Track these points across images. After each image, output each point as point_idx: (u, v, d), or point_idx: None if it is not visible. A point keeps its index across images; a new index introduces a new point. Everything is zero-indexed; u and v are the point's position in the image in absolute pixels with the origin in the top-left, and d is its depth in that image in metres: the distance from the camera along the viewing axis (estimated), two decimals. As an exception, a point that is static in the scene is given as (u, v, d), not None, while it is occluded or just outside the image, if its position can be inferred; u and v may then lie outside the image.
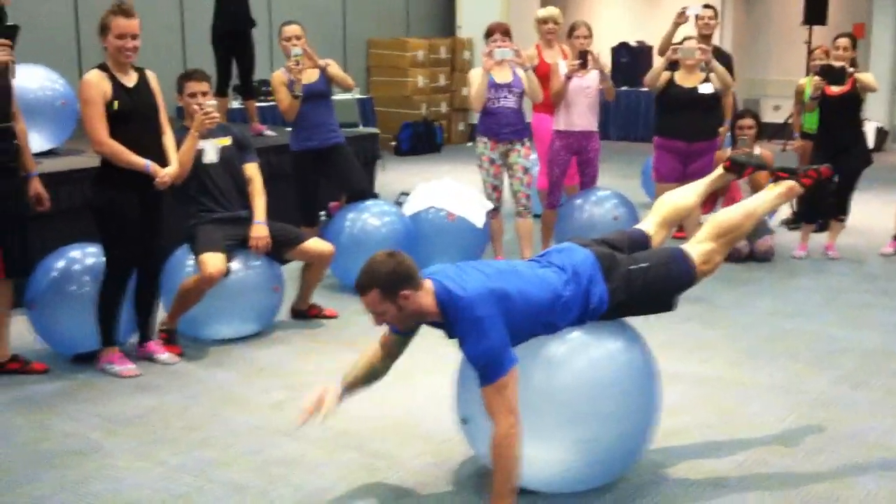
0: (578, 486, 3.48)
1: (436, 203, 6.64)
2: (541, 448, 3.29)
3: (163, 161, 4.82)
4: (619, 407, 3.35)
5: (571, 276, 3.36)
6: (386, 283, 3.16)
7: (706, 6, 7.67)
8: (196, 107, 5.08)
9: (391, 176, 10.71)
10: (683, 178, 7.03)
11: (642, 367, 3.50)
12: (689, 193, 4.01)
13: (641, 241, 3.73)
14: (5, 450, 3.98)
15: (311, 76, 6.38)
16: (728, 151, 7.12)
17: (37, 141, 6.96)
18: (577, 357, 3.37)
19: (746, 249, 7.10)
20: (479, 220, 6.60)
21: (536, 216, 7.18)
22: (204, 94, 5.17)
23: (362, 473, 3.73)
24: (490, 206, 6.67)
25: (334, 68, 6.50)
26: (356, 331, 5.45)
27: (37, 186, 4.95)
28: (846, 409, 4.37)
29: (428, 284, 3.22)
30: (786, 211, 8.22)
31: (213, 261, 5.00)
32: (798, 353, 5.16)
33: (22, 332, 5.14)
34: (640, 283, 3.43)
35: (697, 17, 7.54)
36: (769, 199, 3.90)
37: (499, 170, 6.67)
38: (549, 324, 3.31)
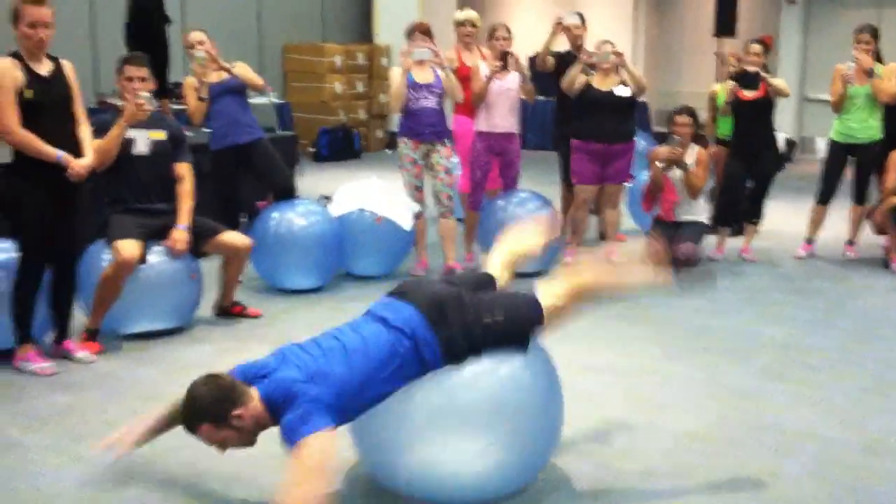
0: (491, 493, 3.35)
1: (363, 205, 6.60)
2: (450, 461, 3.18)
3: (77, 152, 4.68)
4: (521, 424, 3.25)
5: (403, 332, 3.16)
6: (214, 413, 3.03)
7: (579, 15, 7.82)
8: (129, 95, 4.99)
9: (310, 181, 10.60)
10: (602, 179, 7.16)
11: (544, 384, 3.41)
12: (532, 239, 3.86)
13: (486, 282, 3.58)
14: (-84, 447, 3.82)
15: (220, 76, 6.40)
16: (660, 150, 7.21)
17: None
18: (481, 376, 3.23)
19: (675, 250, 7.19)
20: (406, 222, 6.58)
21: (459, 220, 7.19)
22: (142, 79, 5.09)
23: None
24: (417, 207, 6.66)
25: (242, 69, 6.55)
26: (280, 329, 5.39)
27: None
28: (765, 399, 4.47)
29: (252, 392, 3.07)
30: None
31: (128, 246, 4.90)
32: (718, 347, 5.27)
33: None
34: (492, 335, 3.23)
35: (570, 27, 7.67)
36: (641, 283, 3.74)
37: (420, 170, 6.66)
38: (392, 383, 3.12)
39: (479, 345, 3.19)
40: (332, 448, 2.91)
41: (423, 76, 6.53)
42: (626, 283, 3.70)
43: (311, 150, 13.17)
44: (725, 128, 7.89)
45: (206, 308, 5.62)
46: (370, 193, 6.69)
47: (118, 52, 8.03)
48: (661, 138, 8.57)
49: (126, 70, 5.13)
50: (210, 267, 5.72)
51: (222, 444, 3.10)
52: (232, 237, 5.53)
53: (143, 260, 5.03)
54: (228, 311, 5.68)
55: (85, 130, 4.80)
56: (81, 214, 4.83)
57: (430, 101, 6.55)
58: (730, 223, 7.67)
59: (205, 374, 3.15)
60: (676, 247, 7.02)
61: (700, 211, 7.33)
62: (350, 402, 3.04)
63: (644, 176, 8.14)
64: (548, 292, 3.42)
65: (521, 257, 3.80)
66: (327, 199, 6.99)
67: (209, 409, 3.02)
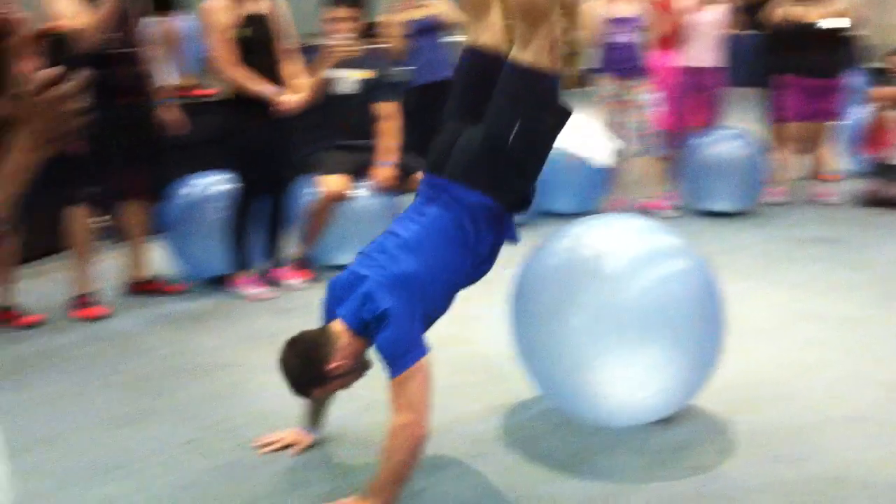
0: (648, 413, 3.33)
1: (559, 142, 6.54)
2: (622, 367, 3.12)
3: (286, 88, 4.86)
4: (684, 324, 3.15)
5: (456, 206, 2.97)
6: (311, 379, 2.93)
7: None
8: (335, 36, 5.11)
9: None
10: (812, 116, 6.84)
11: (704, 282, 3.27)
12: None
13: (493, 72, 3.01)
14: (147, 362, 4.14)
15: (420, 13, 6.44)
16: (882, 90, 6.85)
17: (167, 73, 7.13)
18: (641, 276, 3.13)
19: (882, 194, 6.84)
20: (603, 159, 6.51)
21: (662, 158, 7.05)
22: (349, 20, 5.18)
23: (491, 395, 3.75)
24: (614, 144, 6.57)
25: (444, 6, 6.53)
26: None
27: (167, 112, 5.04)
28: None
29: (336, 328, 2.91)
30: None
31: (335, 181, 5.07)
32: (938, 295, 4.97)
33: (160, 256, 5.32)
34: (527, 141, 2.96)
35: None
36: None
37: (619, 107, 6.55)
38: (473, 263, 2.99)
39: (525, 162, 3.00)
40: (430, 380, 2.80)
41: (621, 9, 6.39)
42: None
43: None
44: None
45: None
46: (569, 129, 6.62)
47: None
48: (879, 75, 8.07)
49: (332, 11, 5.25)
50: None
51: (343, 387, 3.02)
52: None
53: (349, 196, 5.19)
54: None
55: (294, 67, 4.98)
56: (292, 147, 5.04)
57: (628, 36, 6.41)
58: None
59: (286, 341, 2.98)
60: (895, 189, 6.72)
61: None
62: (433, 293, 2.89)
63: (862, 113, 7.72)
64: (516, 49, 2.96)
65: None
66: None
67: (305, 378, 2.93)
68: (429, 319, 2.94)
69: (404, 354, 2.75)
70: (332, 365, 2.87)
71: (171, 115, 5.02)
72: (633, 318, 3.08)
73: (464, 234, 2.95)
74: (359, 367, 2.96)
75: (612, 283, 3.10)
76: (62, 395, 3.80)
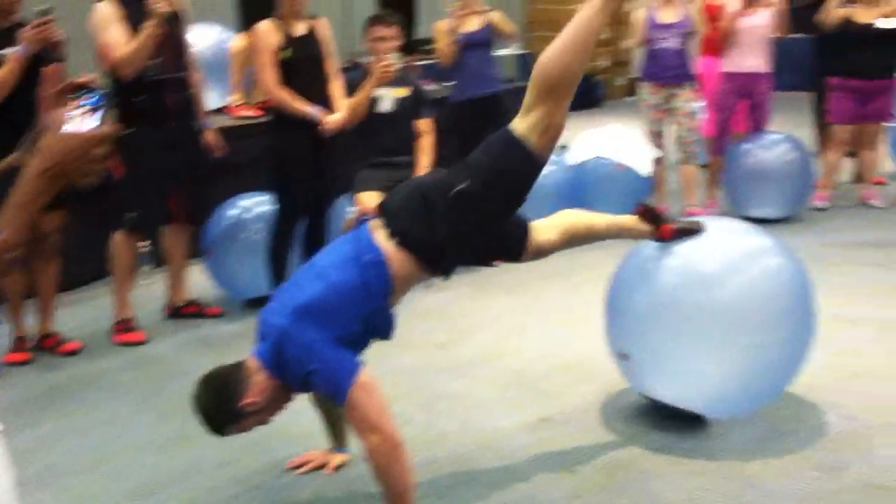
0: (736, 409, 3.41)
1: (600, 152, 6.52)
2: (702, 366, 3.21)
3: (330, 109, 4.90)
4: (778, 321, 3.21)
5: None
6: (225, 417, 2.82)
7: None
8: (377, 55, 5.11)
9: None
10: (862, 118, 6.72)
11: (798, 280, 3.33)
12: (598, 220, 3.34)
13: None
14: (184, 385, 4.14)
15: (472, 25, 6.36)
16: None
17: (209, 97, 7.22)
18: (734, 274, 3.22)
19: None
20: (643, 169, 6.45)
21: (704, 166, 6.97)
22: (390, 38, 5.19)
23: (529, 409, 3.73)
24: (655, 153, 6.51)
25: (498, 17, 6.46)
26: (516, 276, 5.45)
27: (211, 135, 5.10)
28: None
29: (254, 364, 2.82)
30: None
31: (370, 198, 5.07)
32: None
33: (199, 279, 5.38)
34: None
35: None
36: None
37: (661, 115, 6.50)
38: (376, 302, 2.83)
39: (447, 220, 2.84)
40: (376, 391, 2.71)
41: (667, 15, 6.33)
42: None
43: (554, 100, 13.11)
44: None
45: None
46: (608, 140, 6.60)
47: (370, 10, 8.32)
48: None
49: (374, 30, 5.24)
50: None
51: (261, 423, 2.90)
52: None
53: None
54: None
55: (337, 87, 5.00)
56: (333, 168, 5.06)
57: (672, 42, 6.35)
58: None
59: (198, 378, 2.91)
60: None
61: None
62: (347, 320, 2.75)
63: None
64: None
65: (575, 236, 3.30)
66: (565, 148, 6.96)
67: (219, 417, 2.83)
68: (354, 341, 2.80)
69: (338, 380, 2.68)
70: (246, 401, 2.78)
71: (213, 138, 5.07)
72: (726, 318, 3.16)
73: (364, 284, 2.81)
74: (273, 405, 2.86)
75: (705, 284, 3.19)
76: (101, 421, 3.85)
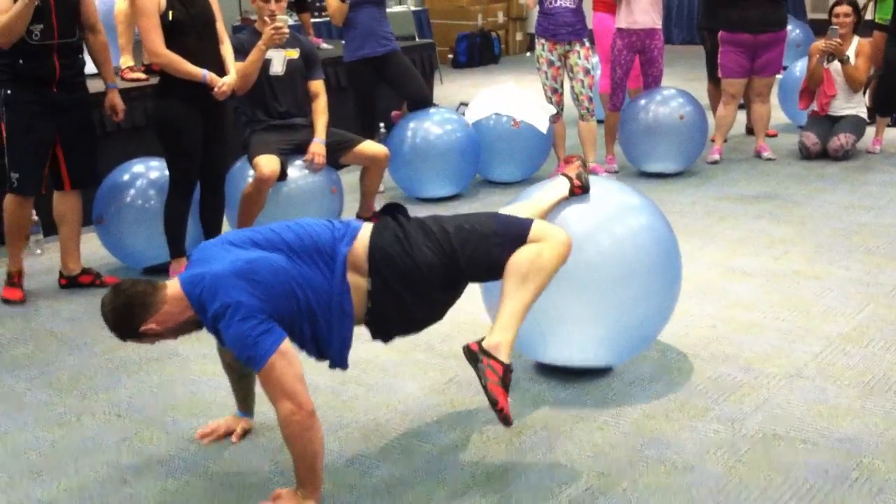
0: (613, 358, 3.56)
1: (498, 109, 6.53)
2: (572, 324, 3.34)
3: (221, 71, 4.79)
4: (645, 281, 3.36)
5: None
6: (124, 330, 2.82)
7: None
8: (267, 18, 5.01)
9: (449, 88, 10.61)
10: (751, 72, 6.87)
11: (663, 235, 3.49)
12: (543, 206, 3.32)
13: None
14: (85, 358, 4.07)
15: None
16: (818, 43, 6.92)
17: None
18: (601, 234, 3.34)
19: (817, 148, 6.89)
20: (542, 125, 6.49)
21: (600, 121, 7.04)
22: (278, 1, 5.11)
23: (434, 373, 3.74)
24: (553, 110, 6.55)
25: None
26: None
27: (113, 98, 4.97)
28: (926, 299, 4.26)
29: (173, 291, 2.81)
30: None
31: (267, 162, 4.98)
32: (874, 246, 5.03)
33: (93, 248, 5.22)
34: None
35: None
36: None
37: (558, 72, 6.53)
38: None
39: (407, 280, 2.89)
40: (293, 360, 2.71)
41: (558, -27, 6.34)
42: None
43: (450, 56, 13.08)
44: (886, 11, 7.38)
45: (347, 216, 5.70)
46: (505, 98, 6.61)
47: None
48: (818, 27, 8.12)
49: None
50: (349, 181, 5.80)
51: (153, 342, 2.90)
52: (370, 147, 5.56)
53: (283, 175, 5.12)
54: (368, 220, 5.74)
55: (227, 49, 4.89)
56: (227, 132, 4.96)
57: (567, 0, 6.36)
58: (889, 113, 7.25)
59: (112, 285, 2.95)
60: (831, 142, 6.78)
61: (858, 104, 6.98)
62: (289, 312, 2.78)
63: (798, 67, 7.76)
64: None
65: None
66: (466, 105, 6.95)
67: (118, 328, 2.83)
68: (287, 321, 2.78)
69: (256, 348, 2.67)
70: (146, 327, 2.79)
71: (113, 100, 4.93)
72: (596, 276, 3.28)
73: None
74: (178, 332, 2.88)
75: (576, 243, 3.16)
76: (-5, 397, 3.73)
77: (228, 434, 3.29)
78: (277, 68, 5.26)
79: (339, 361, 2.92)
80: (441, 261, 2.87)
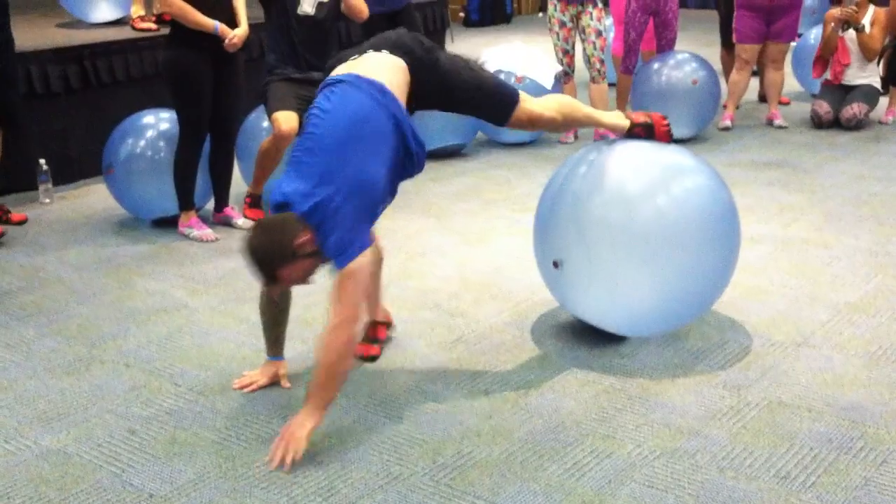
0: (659, 327, 3.51)
1: (503, 66, 6.50)
2: (623, 286, 3.30)
3: (232, 22, 4.75)
4: (701, 241, 3.32)
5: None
6: (282, 253, 2.83)
7: None
8: None
9: (460, 46, 10.51)
10: (765, 38, 6.82)
11: (722, 200, 3.46)
12: (586, 108, 3.53)
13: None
14: (94, 307, 4.08)
15: None
16: (834, 11, 6.86)
17: (105, 10, 6.95)
18: (658, 194, 3.30)
19: (830, 116, 6.86)
20: (547, 81, 6.45)
21: (612, 84, 7.00)
22: None
23: (441, 330, 3.75)
24: (559, 67, 6.52)
25: None
26: (425, 199, 5.45)
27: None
28: (935, 271, 4.26)
29: (294, 217, 2.88)
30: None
31: (286, 118, 4.88)
32: (884, 215, 5.01)
33: (102, 198, 5.22)
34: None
35: None
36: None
37: (569, 33, 6.48)
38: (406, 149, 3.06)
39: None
40: (365, 281, 2.92)
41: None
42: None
43: (461, 14, 12.98)
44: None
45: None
46: (510, 55, 6.58)
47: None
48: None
49: None
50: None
51: (305, 278, 2.94)
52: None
53: (301, 131, 5.07)
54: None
55: (240, 0, 4.84)
56: (238, 83, 4.92)
57: (581, -40, 6.30)
58: (903, 84, 7.20)
59: (252, 226, 3.10)
60: (844, 111, 6.74)
61: (872, 73, 6.93)
62: (366, 180, 2.91)
63: (812, 35, 7.70)
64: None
65: (568, 120, 3.52)
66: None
67: (276, 252, 2.82)
68: (376, 212, 3.01)
69: (346, 250, 2.83)
70: (301, 240, 2.81)
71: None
72: (650, 237, 3.24)
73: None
74: (321, 256, 2.90)
75: (629, 204, 3.26)
76: (5, 344, 3.73)
77: (272, 383, 3.31)
78: (306, 7, 4.89)
79: (422, 162, 3.15)
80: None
